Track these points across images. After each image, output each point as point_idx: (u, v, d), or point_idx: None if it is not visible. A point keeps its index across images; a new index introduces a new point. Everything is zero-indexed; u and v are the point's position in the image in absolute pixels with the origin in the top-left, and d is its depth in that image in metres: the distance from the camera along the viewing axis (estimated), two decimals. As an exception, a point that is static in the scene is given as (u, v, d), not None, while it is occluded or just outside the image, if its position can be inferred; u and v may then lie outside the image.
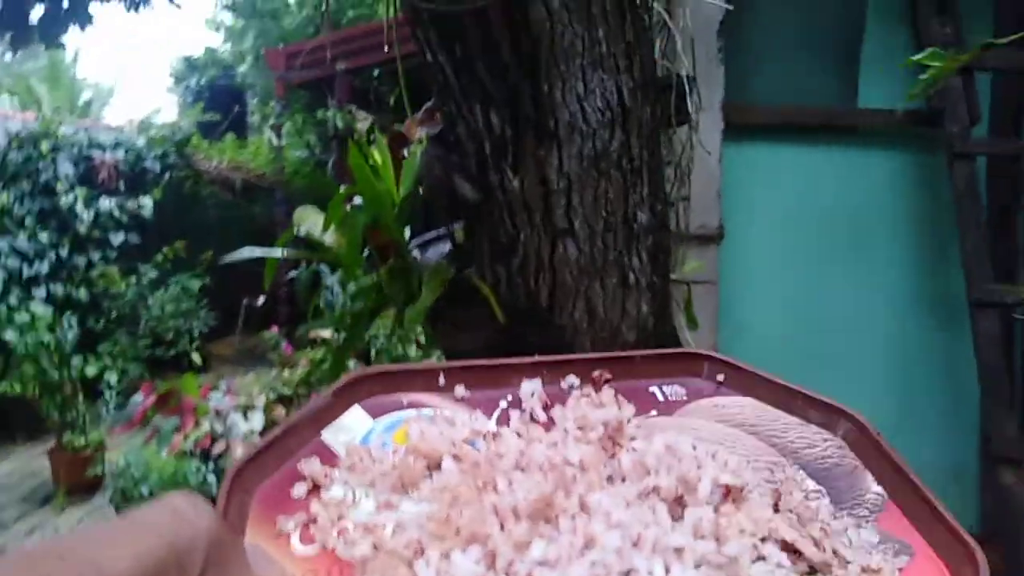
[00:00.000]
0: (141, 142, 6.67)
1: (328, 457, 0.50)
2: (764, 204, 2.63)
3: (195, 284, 6.35)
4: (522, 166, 1.10)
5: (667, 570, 0.39)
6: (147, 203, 6.44)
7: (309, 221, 1.27)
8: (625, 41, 1.03)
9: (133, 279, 6.11)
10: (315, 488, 0.47)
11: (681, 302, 1.47)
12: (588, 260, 1.16)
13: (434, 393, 0.58)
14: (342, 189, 1.16)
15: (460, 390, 0.58)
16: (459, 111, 1.08)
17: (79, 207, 5.98)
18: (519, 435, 0.51)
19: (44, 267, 5.86)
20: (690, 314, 1.50)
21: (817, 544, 0.41)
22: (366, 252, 1.28)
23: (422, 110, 1.26)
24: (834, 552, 0.41)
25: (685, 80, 1.78)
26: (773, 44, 2.64)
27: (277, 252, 1.22)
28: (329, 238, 1.26)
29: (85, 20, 4.60)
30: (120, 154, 6.44)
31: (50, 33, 4.59)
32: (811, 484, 0.49)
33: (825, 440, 0.53)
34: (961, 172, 2.30)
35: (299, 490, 0.46)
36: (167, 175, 6.75)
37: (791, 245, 2.66)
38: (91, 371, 5.64)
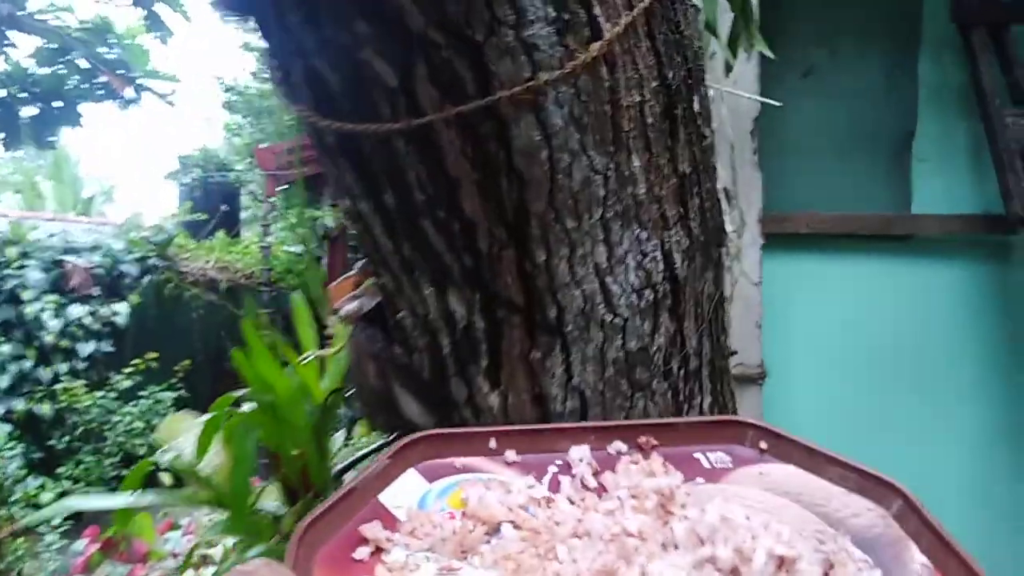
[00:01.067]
0: (120, 245, 6.34)
1: (387, 519, 0.50)
2: (809, 329, 2.19)
3: (168, 396, 5.85)
4: (504, 375, 0.66)
5: None
6: (122, 309, 6.05)
7: (180, 439, 0.82)
8: (678, 175, 0.60)
9: (100, 393, 5.63)
10: (377, 551, 0.47)
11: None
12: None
13: (485, 456, 0.58)
14: (207, 416, 0.72)
15: (511, 454, 0.57)
16: (398, 289, 0.65)
17: (46, 316, 5.59)
18: (573, 502, 0.52)
19: (4, 381, 5.42)
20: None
21: (871, 616, 0.38)
22: (260, 488, 0.83)
23: (356, 268, 0.82)
24: (887, 624, 0.38)
25: (724, 195, 1.36)
26: (812, 144, 2.26)
27: (123, 500, 0.77)
28: (210, 464, 0.82)
29: (75, 121, 4.67)
30: (96, 258, 6.09)
31: (41, 134, 4.70)
32: (859, 554, 0.46)
33: (869, 509, 0.51)
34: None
35: (362, 552, 0.47)
36: (146, 278, 6.38)
37: (843, 379, 2.20)
38: (47, 497, 5.09)
